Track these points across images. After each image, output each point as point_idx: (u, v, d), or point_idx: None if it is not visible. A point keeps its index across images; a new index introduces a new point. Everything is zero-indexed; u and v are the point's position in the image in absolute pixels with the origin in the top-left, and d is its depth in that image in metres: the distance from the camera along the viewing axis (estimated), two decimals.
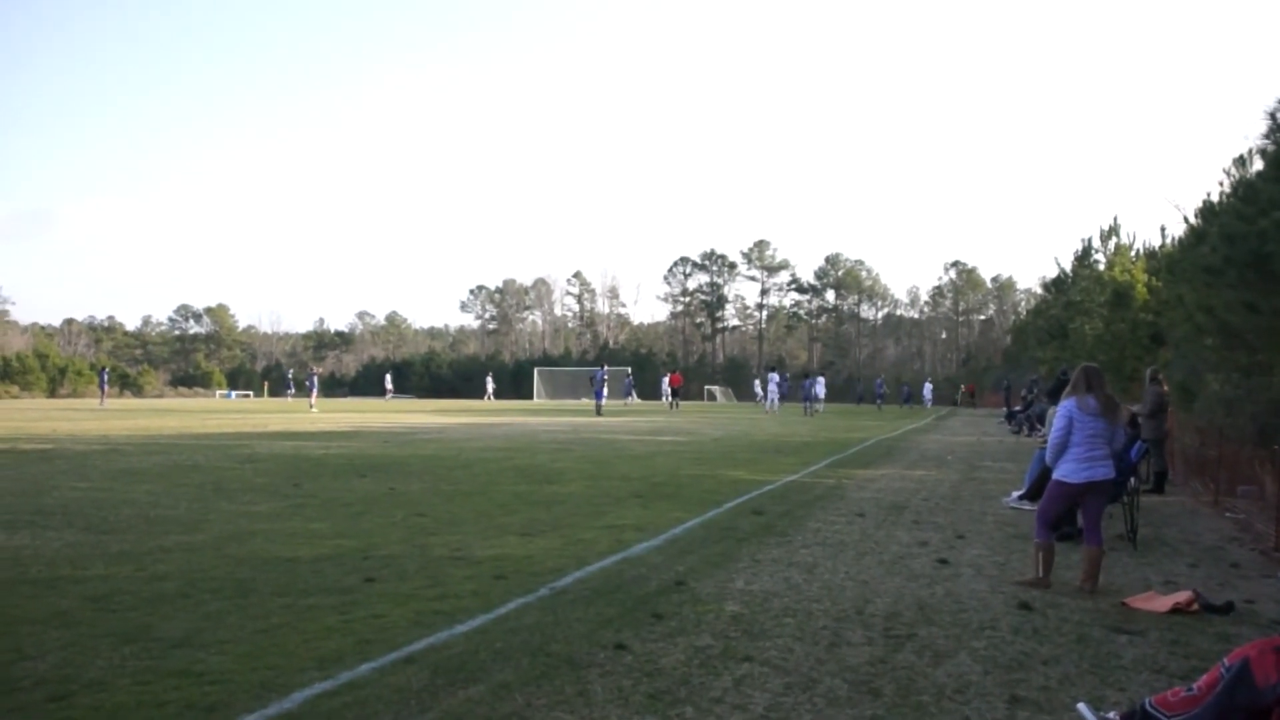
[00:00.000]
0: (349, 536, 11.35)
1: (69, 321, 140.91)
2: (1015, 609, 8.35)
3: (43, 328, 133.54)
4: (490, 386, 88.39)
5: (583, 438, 30.25)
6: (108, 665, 6.33)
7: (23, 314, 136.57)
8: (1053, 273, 55.33)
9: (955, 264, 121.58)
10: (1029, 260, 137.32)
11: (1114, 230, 42.04)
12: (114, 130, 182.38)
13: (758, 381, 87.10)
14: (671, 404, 65.12)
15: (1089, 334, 37.62)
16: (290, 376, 64.77)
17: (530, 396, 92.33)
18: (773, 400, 60.14)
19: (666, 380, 70.83)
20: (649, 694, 5.96)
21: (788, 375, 64.95)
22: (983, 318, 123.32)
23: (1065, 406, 9.42)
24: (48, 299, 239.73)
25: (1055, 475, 9.45)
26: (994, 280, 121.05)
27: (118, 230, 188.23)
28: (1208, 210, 20.65)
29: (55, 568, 9.43)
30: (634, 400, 79.44)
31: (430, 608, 7.91)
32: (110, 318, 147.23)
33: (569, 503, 14.55)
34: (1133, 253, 38.74)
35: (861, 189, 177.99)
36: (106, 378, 72.08)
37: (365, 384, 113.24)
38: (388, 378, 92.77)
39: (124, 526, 11.88)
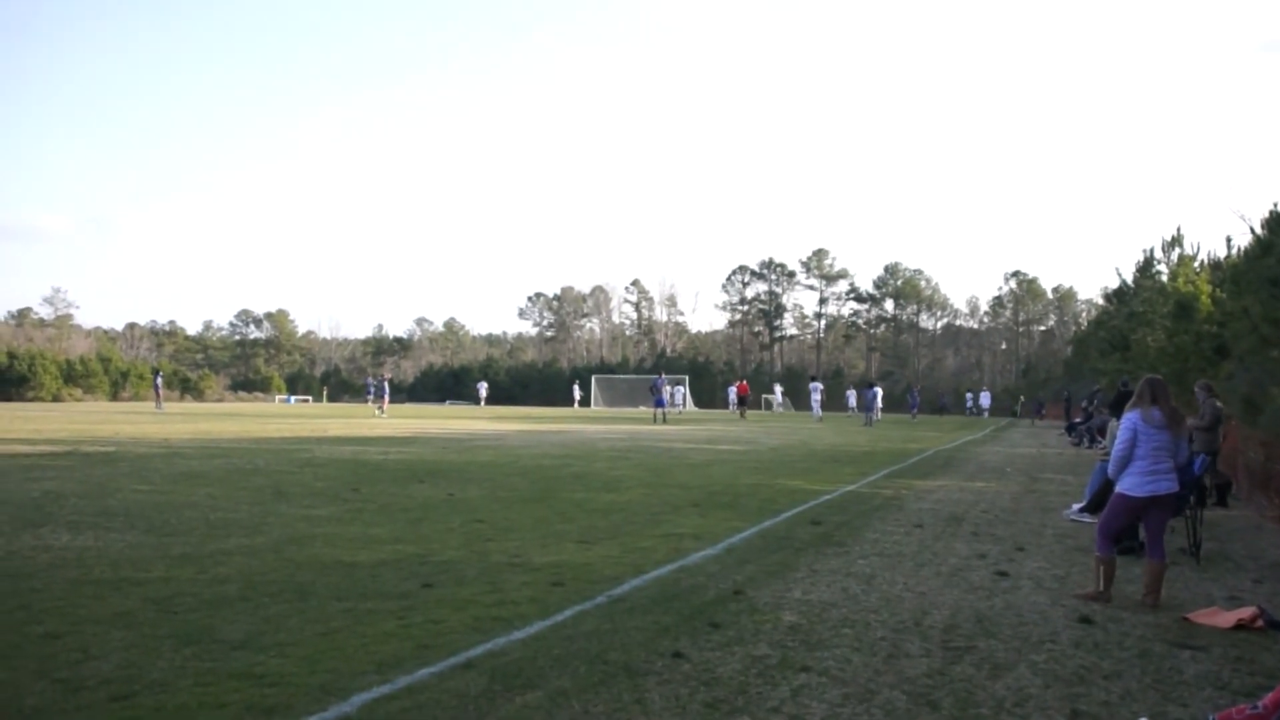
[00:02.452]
0: (408, 542, 11.41)
1: (131, 326, 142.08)
2: (1076, 623, 8.29)
3: (105, 332, 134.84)
4: (577, 394, 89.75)
5: (640, 446, 30.25)
6: (169, 666, 6.40)
7: (86, 318, 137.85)
8: (1114, 283, 54.81)
9: (1015, 274, 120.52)
10: (1090, 271, 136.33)
11: (1177, 240, 41.50)
12: (175, 137, 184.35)
13: (778, 387, 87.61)
14: (740, 412, 65.36)
15: (1151, 346, 37.22)
16: (370, 382, 65.61)
17: (588, 404, 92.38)
18: (815, 409, 60.36)
19: (734, 389, 71.38)
20: (706, 703, 5.95)
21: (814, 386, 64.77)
22: (1043, 328, 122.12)
23: (1130, 419, 9.32)
24: (111, 304, 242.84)
25: (1118, 488, 9.36)
26: (1055, 291, 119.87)
27: (179, 236, 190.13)
28: (1274, 221, 20.38)
29: (118, 569, 9.54)
30: (684, 408, 79.87)
31: (488, 614, 7.95)
32: (171, 322, 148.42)
33: (627, 511, 14.57)
34: (1196, 264, 38.19)
35: (921, 198, 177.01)
36: (161, 381, 72.64)
37: (423, 390, 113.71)
38: (482, 386, 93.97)
39: (185, 529, 12.01)
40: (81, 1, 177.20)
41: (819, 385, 63.99)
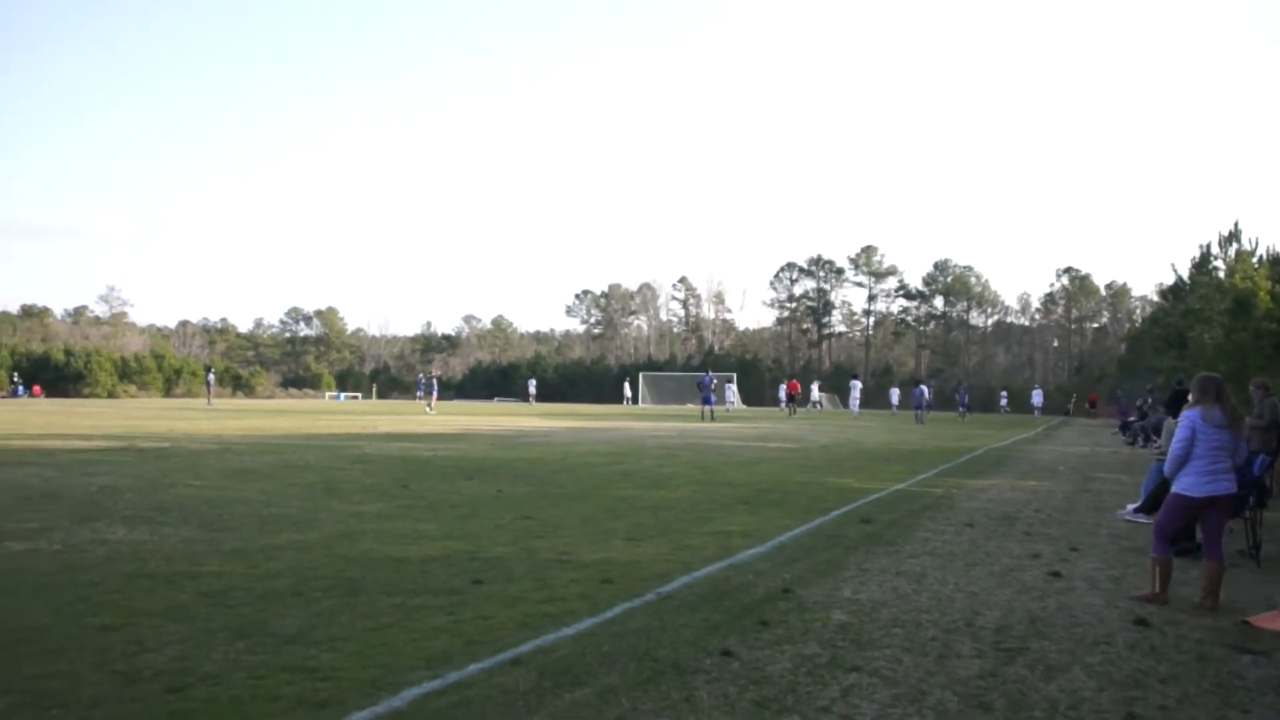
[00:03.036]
0: (457, 538, 11.43)
1: (184, 323, 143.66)
2: (1131, 625, 8.19)
3: (159, 329, 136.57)
4: (628, 391, 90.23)
5: (689, 443, 30.20)
6: (223, 659, 6.45)
7: (140, 316, 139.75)
8: (1170, 280, 54.43)
9: (1068, 270, 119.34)
10: (1145, 267, 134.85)
11: (1235, 235, 41.01)
12: (226, 136, 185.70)
13: (816, 384, 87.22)
14: (790, 410, 65.33)
15: (1209, 343, 36.81)
16: (421, 379, 66.47)
17: (635, 401, 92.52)
18: (854, 406, 60.30)
19: (784, 387, 71.46)
20: (755, 701, 5.93)
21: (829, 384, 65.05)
22: (1096, 325, 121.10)
23: (1189, 417, 9.19)
24: (164, 302, 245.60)
25: (1175, 488, 9.24)
26: (1108, 287, 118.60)
27: (231, 235, 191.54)
28: None
29: (173, 563, 9.62)
30: (734, 405, 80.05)
31: (537, 610, 7.95)
32: (223, 320, 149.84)
33: (676, 508, 14.54)
34: (1255, 259, 37.76)
35: (971, 193, 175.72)
36: (213, 378, 73.22)
37: (472, 387, 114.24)
38: (532, 383, 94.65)
39: (238, 524, 12.09)
40: (125, 3, 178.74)
41: (858, 384, 64.21)
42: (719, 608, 8.27)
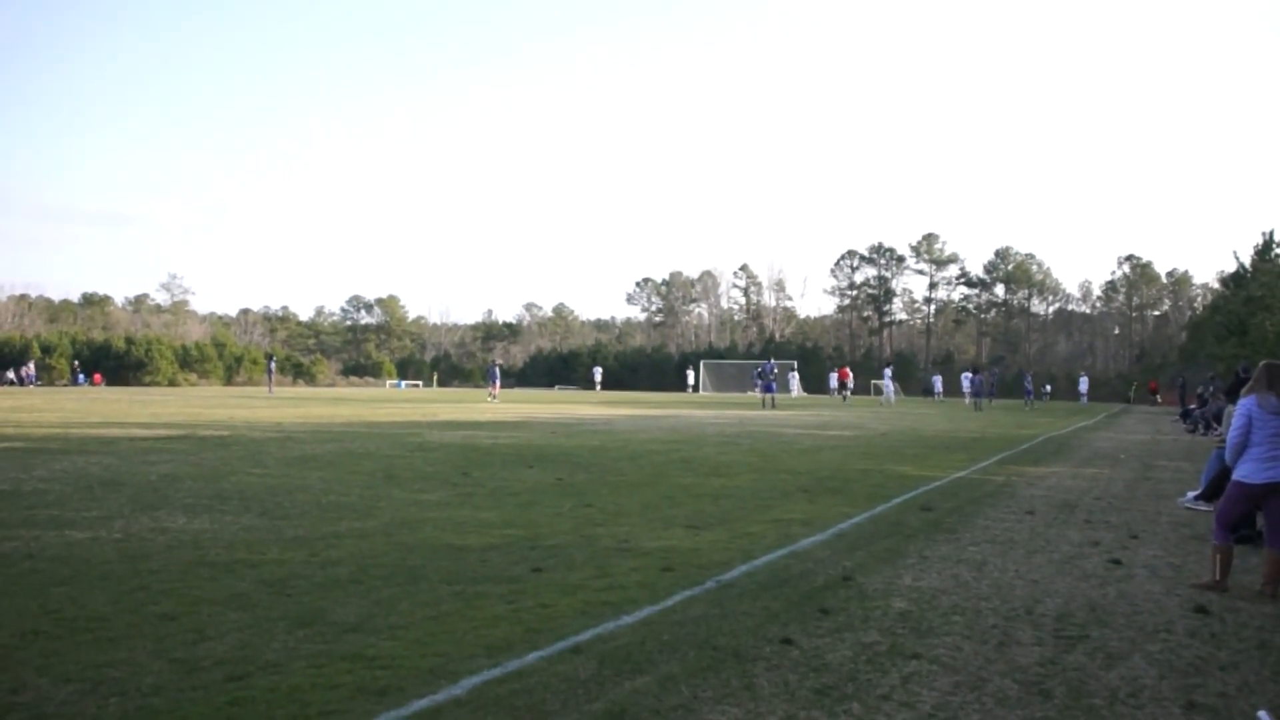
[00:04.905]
0: (517, 526, 11.47)
1: (245, 311, 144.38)
2: (1191, 612, 8.12)
3: (220, 317, 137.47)
4: (691, 378, 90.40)
5: (749, 431, 30.21)
6: (283, 647, 6.49)
7: (201, 304, 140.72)
8: (1231, 267, 53.85)
9: (1129, 258, 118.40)
10: (1206, 254, 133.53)
11: None
12: (287, 125, 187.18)
13: (832, 375, 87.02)
14: (842, 397, 65.35)
15: (1270, 330, 36.41)
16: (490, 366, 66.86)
17: (697, 389, 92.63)
18: (888, 395, 60.31)
19: (835, 374, 71.57)
20: (815, 689, 5.92)
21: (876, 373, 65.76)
22: (1157, 313, 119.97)
23: (1245, 405, 9.13)
24: (225, 290, 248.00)
25: (1235, 475, 9.18)
26: (1169, 275, 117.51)
27: (292, 223, 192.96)
28: None
29: (233, 551, 9.69)
30: (796, 393, 80.00)
31: (597, 598, 7.96)
32: (284, 308, 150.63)
33: (735, 496, 14.53)
34: None
35: (1032, 180, 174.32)
36: (274, 366, 73.64)
37: (533, 375, 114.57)
38: (597, 371, 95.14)
39: (298, 512, 12.17)
40: None
41: (889, 372, 64.57)
42: (779, 596, 8.26)
